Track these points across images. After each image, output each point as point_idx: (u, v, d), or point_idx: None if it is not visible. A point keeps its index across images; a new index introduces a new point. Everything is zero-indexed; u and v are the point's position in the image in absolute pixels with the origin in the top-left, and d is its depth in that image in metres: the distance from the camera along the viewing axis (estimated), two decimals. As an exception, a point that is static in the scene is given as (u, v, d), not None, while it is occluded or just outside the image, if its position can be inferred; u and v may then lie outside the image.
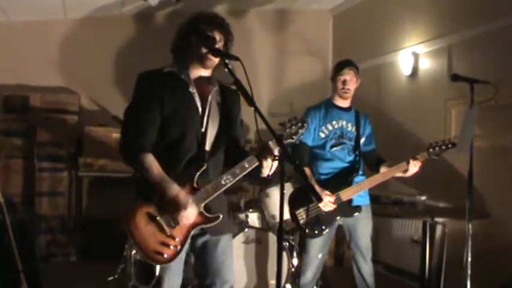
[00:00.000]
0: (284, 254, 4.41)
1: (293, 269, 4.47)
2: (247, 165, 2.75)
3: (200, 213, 2.77)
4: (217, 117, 2.90)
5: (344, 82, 4.00)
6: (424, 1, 5.69)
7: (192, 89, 2.83)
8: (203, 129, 2.84)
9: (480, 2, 4.90)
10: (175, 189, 2.68)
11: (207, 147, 2.85)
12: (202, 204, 2.76)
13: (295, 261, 4.50)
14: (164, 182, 2.69)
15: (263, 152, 2.73)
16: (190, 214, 2.71)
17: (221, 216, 2.81)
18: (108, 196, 6.28)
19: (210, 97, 2.88)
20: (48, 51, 6.64)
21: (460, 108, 4.78)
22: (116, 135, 6.28)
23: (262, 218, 4.77)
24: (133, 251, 4.96)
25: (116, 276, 5.08)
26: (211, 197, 2.77)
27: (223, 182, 2.77)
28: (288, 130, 2.80)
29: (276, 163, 2.70)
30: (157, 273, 2.80)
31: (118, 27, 6.87)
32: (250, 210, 4.77)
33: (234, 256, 3.13)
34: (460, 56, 5.12)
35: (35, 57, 6.55)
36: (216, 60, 2.80)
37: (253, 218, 4.76)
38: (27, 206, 6.20)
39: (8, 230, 3.86)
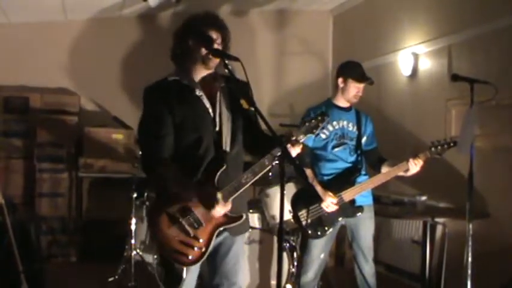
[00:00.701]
0: (285, 254, 4.41)
1: (293, 270, 4.47)
2: (267, 163, 2.72)
3: (223, 214, 2.75)
4: (229, 114, 2.88)
5: (359, 90, 4.02)
6: (424, 1, 5.69)
7: (199, 92, 2.82)
8: (217, 129, 2.82)
9: (480, 2, 4.90)
10: (202, 191, 2.70)
11: (225, 147, 2.83)
12: None
13: (295, 262, 4.49)
14: (186, 190, 2.71)
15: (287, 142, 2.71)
16: (218, 211, 2.70)
17: (244, 216, 2.81)
18: (109, 197, 6.28)
19: (218, 95, 2.86)
20: (48, 53, 6.63)
21: (460, 109, 4.78)
22: (115, 135, 6.28)
23: (263, 218, 4.77)
24: (134, 252, 4.97)
25: (116, 277, 5.09)
26: (233, 197, 2.74)
27: (243, 181, 2.74)
28: (307, 124, 2.77)
29: (298, 148, 2.69)
30: (184, 275, 2.79)
31: (118, 28, 6.87)
32: (251, 210, 4.76)
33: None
34: (460, 56, 5.12)
35: (35, 58, 6.54)
36: (217, 59, 2.80)
37: (254, 219, 4.76)
38: (27, 207, 6.19)
39: (9, 231, 3.86)
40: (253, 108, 2.60)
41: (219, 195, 2.68)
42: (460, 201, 3.98)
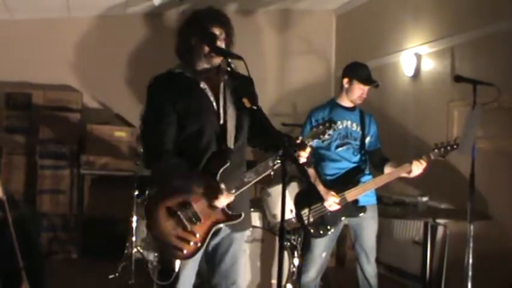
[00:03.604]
0: (286, 253, 4.41)
1: (294, 269, 4.47)
2: (271, 164, 2.73)
3: (222, 211, 2.75)
4: (234, 108, 2.87)
5: (364, 92, 4.01)
6: (427, 2, 5.69)
7: (203, 85, 2.83)
8: (221, 122, 2.83)
9: (483, 4, 4.89)
10: (206, 179, 2.70)
11: (229, 143, 2.82)
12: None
13: (296, 261, 4.49)
14: (192, 178, 2.71)
15: (293, 149, 2.71)
16: (221, 202, 2.71)
17: (243, 214, 2.79)
18: (110, 194, 6.28)
19: (221, 88, 2.86)
20: (51, 49, 6.64)
21: (463, 110, 4.78)
22: (118, 133, 6.29)
23: (264, 217, 4.77)
24: (135, 249, 4.97)
25: (117, 274, 5.09)
26: (234, 195, 2.75)
27: (246, 180, 2.76)
28: (315, 129, 2.83)
29: (306, 151, 2.70)
30: (176, 269, 2.79)
31: (121, 26, 6.87)
32: (252, 209, 4.76)
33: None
34: (463, 57, 5.11)
35: (38, 54, 6.55)
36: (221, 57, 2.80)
37: (255, 218, 4.76)
38: (28, 203, 6.20)
39: (10, 227, 3.86)
40: (255, 107, 2.60)
41: (223, 186, 2.69)
42: (462, 202, 3.98)
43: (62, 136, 6.34)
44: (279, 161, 2.71)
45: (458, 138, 3.83)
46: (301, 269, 4.20)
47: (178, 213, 2.69)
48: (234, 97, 2.89)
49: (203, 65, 2.85)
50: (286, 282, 4.44)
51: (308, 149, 2.75)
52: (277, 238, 4.43)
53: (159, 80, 2.86)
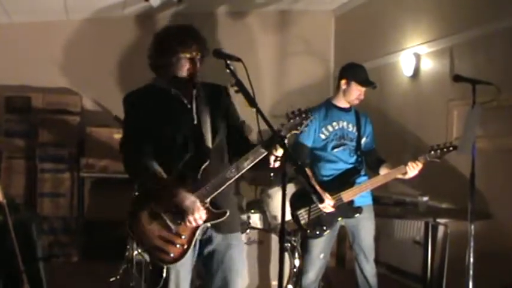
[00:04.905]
0: (286, 255, 4.41)
1: (295, 270, 4.46)
2: (251, 158, 2.69)
3: (206, 209, 2.72)
4: (207, 111, 2.87)
5: (361, 93, 4.01)
6: (426, 2, 5.69)
7: (174, 91, 2.83)
8: (195, 122, 2.82)
9: (482, 3, 4.90)
10: (181, 195, 2.67)
11: (207, 142, 2.82)
12: (208, 200, 2.72)
13: (297, 262, 4.49)
14: (169, 188, 2.69)
15: (273, 141, 2.64)
16: (198, 217, 2.68)
17: (228, 212, 2.76)
18: (110, 197, 6.27)
19: (194, 91, 2.86)
20: (50, 52, 6.65)
21: (462, 109, 4.78)
22: (117, 135, 6.28)
23: (264, 219, 4.77)
24: (135, 252, 4.97)
25: (118, 276, 5.08)
26: (216, 192, 2.72)
27: (227, 176, 2.71)
28: (291, 121, 2.73)
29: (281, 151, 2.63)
30: (164, 273, 2.77)
31: (120, 28, 6.88)
32: (252, 211, 4.76)
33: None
34: (462, 56, 5.11)
35: (37, 58, 6.55)
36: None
37: (255, 219, 4.76)
38: (29, 206, 6.20)
39: (10, 230, 3.86)
40: (255, 109, 2.59)
41: (194, 200, 2.66)
42: (462, 202, 3.98)
43: (62, 139, 6.35)
44: (260, 155, 2.67)
45: (456, 140, 3.84)
46: (301, 271, 4.20)
47: (162, 214, 2.70)
48: (208, 98, 2.90)
49: (176, 74, 2.82)
50: (287, 283, 4.44)
51: (285, 141, 2.68)
52: (276, 239, 4.43)
53: (133, 95, 2.90)
